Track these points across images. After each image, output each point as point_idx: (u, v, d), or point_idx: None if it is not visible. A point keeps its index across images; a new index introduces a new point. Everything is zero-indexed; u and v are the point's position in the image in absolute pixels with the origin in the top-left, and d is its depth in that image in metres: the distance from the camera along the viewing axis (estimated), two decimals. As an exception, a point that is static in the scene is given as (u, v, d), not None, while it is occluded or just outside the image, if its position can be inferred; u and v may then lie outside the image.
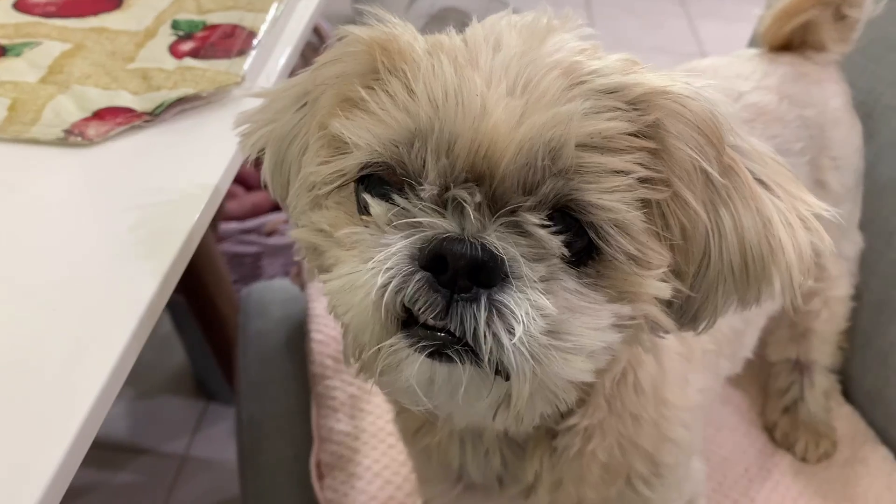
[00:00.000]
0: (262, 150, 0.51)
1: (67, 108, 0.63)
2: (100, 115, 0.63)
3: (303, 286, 1.04)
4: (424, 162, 0.41)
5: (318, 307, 0.98)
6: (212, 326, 1.27)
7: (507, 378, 0.41)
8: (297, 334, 0.99)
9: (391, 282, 0.39)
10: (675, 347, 0.59)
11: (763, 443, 0.91)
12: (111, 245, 0.55)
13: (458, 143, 0.41)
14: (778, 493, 0.85)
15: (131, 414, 1.50)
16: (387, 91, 0.43)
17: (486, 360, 0.40)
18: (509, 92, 0.41)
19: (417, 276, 0.39)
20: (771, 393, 0.94)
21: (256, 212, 1.43)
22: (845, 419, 0.93)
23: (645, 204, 0.42)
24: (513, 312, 0.39)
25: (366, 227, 0.43)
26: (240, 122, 0.53)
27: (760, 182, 0.46)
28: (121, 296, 0.51)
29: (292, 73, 0.67)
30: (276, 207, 1.46)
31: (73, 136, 0.61)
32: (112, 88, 0.66)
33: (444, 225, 0.40)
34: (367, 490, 0.81)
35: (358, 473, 0.82)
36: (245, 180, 1.47)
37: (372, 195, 0.43)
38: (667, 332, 0.46)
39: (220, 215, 1.38)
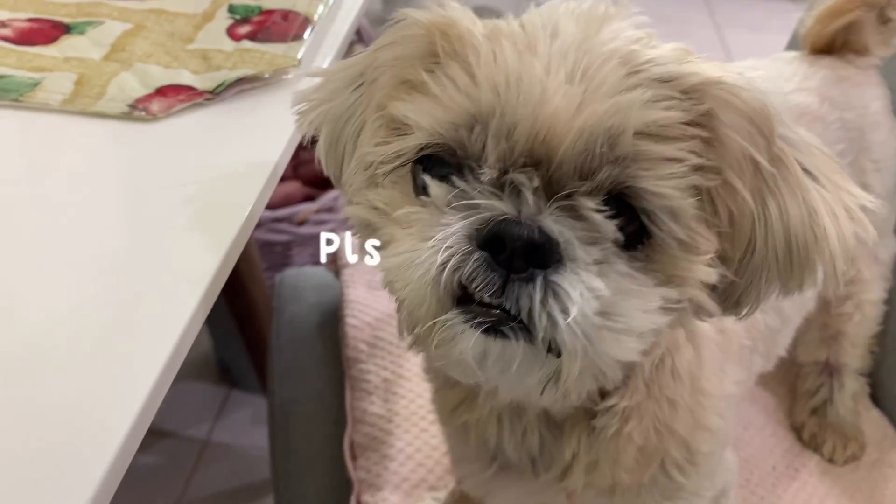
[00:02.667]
0: (319, 128, 0.53)
1: (131, 84, 0.65)
2: (162, 91, 0.65)
3: (337, 273, 1.06)
4: (484, 146, 0.43)
5: (353, 293, 1.00)
6: (243, 312, 1.29)
7: (559, 355, 0.42)
8: (331, 319, 1.01)
9: (450, 260, 0.41)
10: (713, 337, 0.60)
11: (790, 442, 0.91)
12: (172, 220, 0.56)
13: (519, 128, 0.42)
14: (805, 491, 0.85)
15: (155, 397, 1.52)
16: (447, 75, 0.44)
17: (540, 338, 0.41)
18: (568, 79, 0.42)
19: (475, 256, 0.41)
20: (799, 394, 0.95)
21: (287, 202, 1.45)
22: (874, 423, 0.93)
23: (696, 191, 0.43)
24: (567, 293, 0.40)
25: (423, 207, 0.44)
26: (297, 100, 0.55)
27: (807, 172, 0.47)
28: (181, 272, 0.52)
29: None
30: (306, 198, 1.48)
31: (138, 111, 0.63)
32: (173, 67, 0.68)
33: (501, 207, 0.41)
34: (400, 472, 0.82)
35: (391, 455, 0.83)
36: (276, 171, 1.49)
37: (431, 176, 0.44)
38: (711, 315, 0.48)
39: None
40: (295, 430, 0.90)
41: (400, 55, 0.47)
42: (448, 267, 0.41)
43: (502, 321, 0.41)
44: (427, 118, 0.44)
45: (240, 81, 0.66)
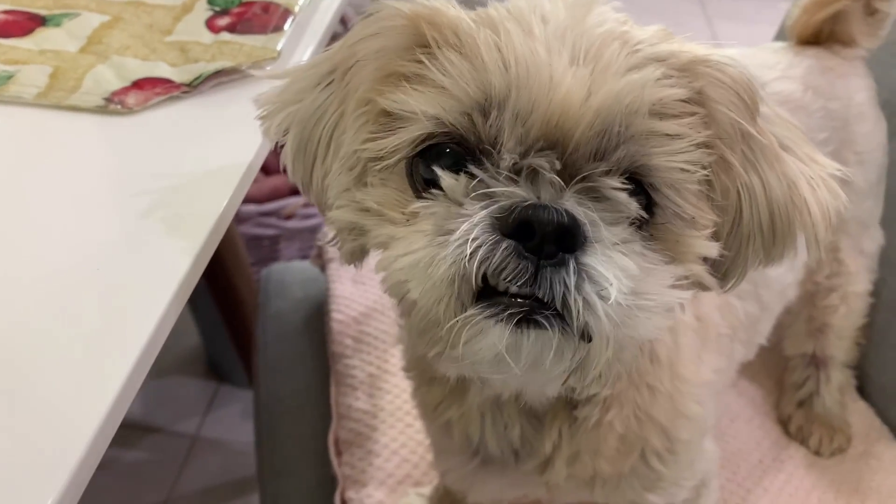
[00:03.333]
0: (286, 132, 0.50)
1: (107, 78, 0.65)
2: (139, 84, 0.64)
3: (323, 268, 1.05)
4: (498, 131, 0.42)
5: (339, 288, 0.99)
6: (230, 307, 1.28)
7: (589, 340, 0.41)
8: (316, 314, 1.00)
9: (478, 252, 0.39)
10: (690, 325, 0.60)
11: (777, 435, 0.91)
12: (145, 218, 0.55)
13: (534, 112, 0.41)
14: (791, 484, 0.85)
15: (143, 392, 1.49)
16: (447, 63, 0.43)
17: (575, 323, 0.40)
18: (572, 61, 0.41)
19: (504, 245, 0.39)
20: (786, 386, 0.95)
21: (275, 195, 1.44)
22: (860, 415, 0.93)
23: (697, 167, 0.43)
24: (602, 275, 0.39)
25: (432, 201, 0.42)
26: (259, 104, 0.51)
27: (783, 146, 0.48)
28: (153, 271, 0.51)
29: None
30: (294, 192, 1.47)
31: (113, 105, 0.62)
32: (151, 60, 0.67)
33: (522, 193, 0.40)
34: (385, 467, 0.82)
35: (375, 451, 0.83)
36: (264, 165, 1.48)
37: (437, 168, 0.43)
38: (707, 290, 0.48)
39: (240, 198, 1.38)
40: (280, 426, 0.90)
41: (383, 47, 0.46)
42: (477, 258, 0.39)
43: (534, 310, 0.40)
44: (433, 107, 0.42)
45: (218, 74, 0.65)
